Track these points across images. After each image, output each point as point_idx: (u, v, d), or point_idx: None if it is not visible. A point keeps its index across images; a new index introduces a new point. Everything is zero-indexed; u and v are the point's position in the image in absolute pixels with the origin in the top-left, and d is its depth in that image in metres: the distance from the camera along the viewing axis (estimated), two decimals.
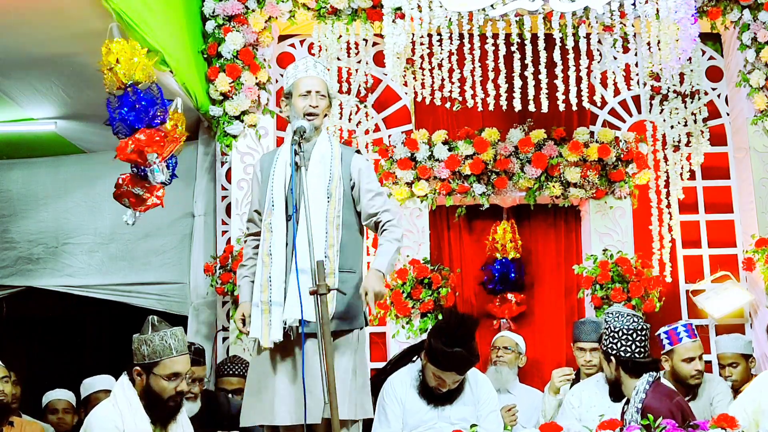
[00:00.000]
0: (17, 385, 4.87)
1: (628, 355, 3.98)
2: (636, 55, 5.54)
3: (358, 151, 3.85)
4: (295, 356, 3.56)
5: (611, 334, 4.04)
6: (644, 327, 4.05)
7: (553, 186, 5.45)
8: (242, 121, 5.43)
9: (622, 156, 5.50)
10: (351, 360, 3.62)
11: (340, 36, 5.61)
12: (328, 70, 3.87)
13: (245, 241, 3.92)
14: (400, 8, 4.70)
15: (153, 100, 4.07)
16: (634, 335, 3.99)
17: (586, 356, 4.80)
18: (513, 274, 5.57)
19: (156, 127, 4.07)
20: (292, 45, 5.83)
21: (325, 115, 3.81)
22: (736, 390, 4.76)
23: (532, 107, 4.89)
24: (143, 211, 4.54)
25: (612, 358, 4.05)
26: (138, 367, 3.49)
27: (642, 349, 4.03)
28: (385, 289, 3.63)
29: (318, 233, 3.54)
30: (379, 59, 5.68)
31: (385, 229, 3.68)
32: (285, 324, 3.52)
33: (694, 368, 4.37)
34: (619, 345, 4.01)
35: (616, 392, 4.17)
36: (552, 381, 4.83)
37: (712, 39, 5.86)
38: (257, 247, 3.78)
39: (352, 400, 3.58)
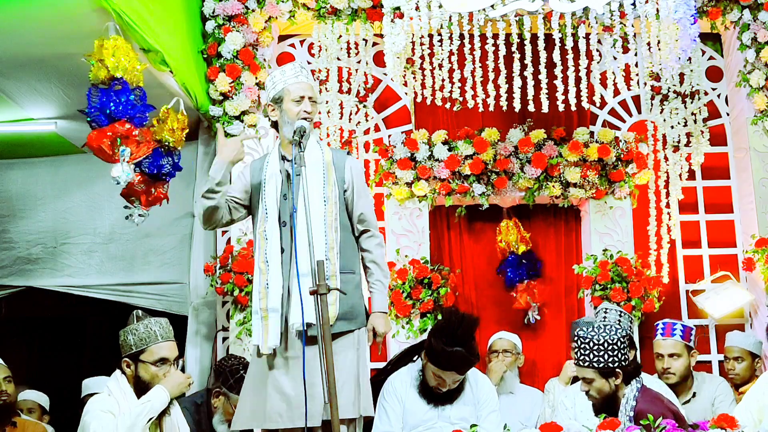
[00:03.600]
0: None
1: (626, 362, 3.73)
2: (636, 55, 5.53)
3: (348, 153, 3.89)
4: (295, 359, 3.55)
5: (608, 348, 3.69)
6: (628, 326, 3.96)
7: (553, 186, 5.45)
8: (242, 121, 5.43)
9: (622, 156, 5.50)
10: (354, 359, 3.63)
11: (340, 36, 5.61)
12: (318, 72, 3.88)
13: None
14: (399, 8, 4.70)
15: (141, 98, 4.08)
16: (626, 339, 3.74)
17: None
18: (525, 266, 5.57)
19: (137, 126, 4.07)
20: (292, 45, 5.83)
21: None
22: (737, 387, 4.76)
23: (532, 107, 4.89)
24: (147, 207, 4.55)
25: (618, 370, 3.71)
26: (126, 359, 3.51)
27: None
28: (390, 327, 3.87)
29: (318, 236, 3.57)
30: (379, 59, 5.67)
31: (369, 251, 3.77)
32: (292, 328, 3.52)
33: (662, 365, 4.60)
34: (620, 355, 3.70)
35: (609, 407, 3.76)
36: (565, 371, 4.86)
37: (712, 39, 5.86)
38: (233, 200, 3.77)
39: (355, 398, 3.58)
